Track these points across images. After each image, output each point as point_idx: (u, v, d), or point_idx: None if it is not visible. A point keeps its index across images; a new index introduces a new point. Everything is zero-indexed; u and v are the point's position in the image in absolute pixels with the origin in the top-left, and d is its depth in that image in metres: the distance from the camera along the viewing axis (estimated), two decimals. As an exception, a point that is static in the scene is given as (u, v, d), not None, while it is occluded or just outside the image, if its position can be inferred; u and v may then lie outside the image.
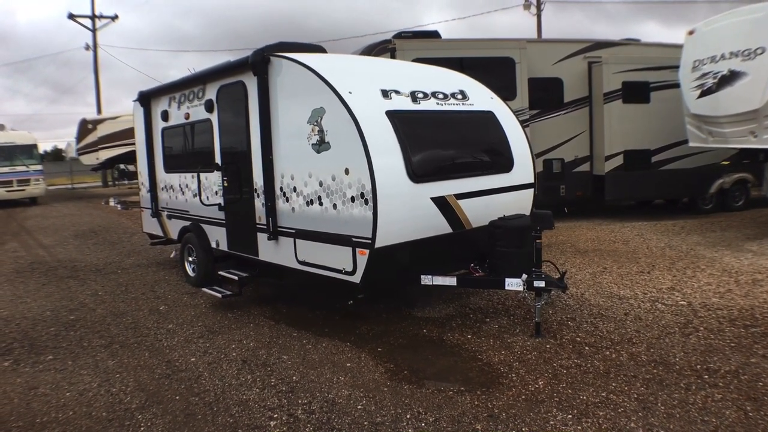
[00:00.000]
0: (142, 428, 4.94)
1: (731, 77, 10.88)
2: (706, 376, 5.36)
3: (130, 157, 28.17)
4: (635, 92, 14.39)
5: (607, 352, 6.03)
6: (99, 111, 39.82)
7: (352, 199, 6.34)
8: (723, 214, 14.82)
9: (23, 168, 28.82)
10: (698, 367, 5.58)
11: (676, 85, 12.84)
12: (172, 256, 11.51)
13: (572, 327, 6.86)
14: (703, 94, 11.62)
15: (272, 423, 4.90)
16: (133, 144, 12.01)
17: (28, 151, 29.46)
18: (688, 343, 6.21)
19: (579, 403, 4.97)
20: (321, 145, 6.68)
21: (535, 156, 8.45)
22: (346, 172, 6.38)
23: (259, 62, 7.43)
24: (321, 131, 6.66)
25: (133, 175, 39.87)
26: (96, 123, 30.51)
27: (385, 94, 6.94)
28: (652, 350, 6.04)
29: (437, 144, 7.19)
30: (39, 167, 29.74)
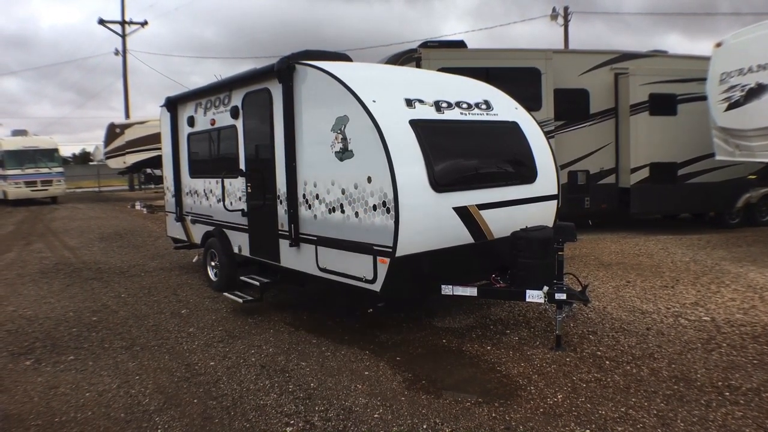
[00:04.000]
0: (159, 430, 4.98)
1: (759, 90, 10.76)
2: (727, 393, 5.29)
3: (157, 162, 28.52)
4: (662, 104, 14.26)
5: (628, 367, 5.98)
6: (127, 115, 40.28)
7: (374, 207, 6.35)
8: (749, 229, 14.63)
9: (46, 170, 31.22)
10: (719, 383, 5.50)
11: (704, 98, 12.71)
12: (194, 260, 11.60)
13: (593, 341, 6.80)
14: (730, 107, 11.50)
15: (289, 429, 4.91)
16: (160, 149, 12.14)
17: (49, 154, 31.91)
18: (710, 359, 6.13)
19: (598, 417, 4.92)
20: (344, 153, 6.70)
21: (560, 168, 8.42)
22: (369, 180, 6.39)
23: (285, 70, 7.48)
24: (344, 139, 6.68)
25: (160, 180, 40.26)
26: (124, 127, 31.01)
27: (409, 103, 6.95)
28: (673, 366, 5.97)
29: (460, 154, 7.18)
30: (60, 169, 32.24)
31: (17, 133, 33.54)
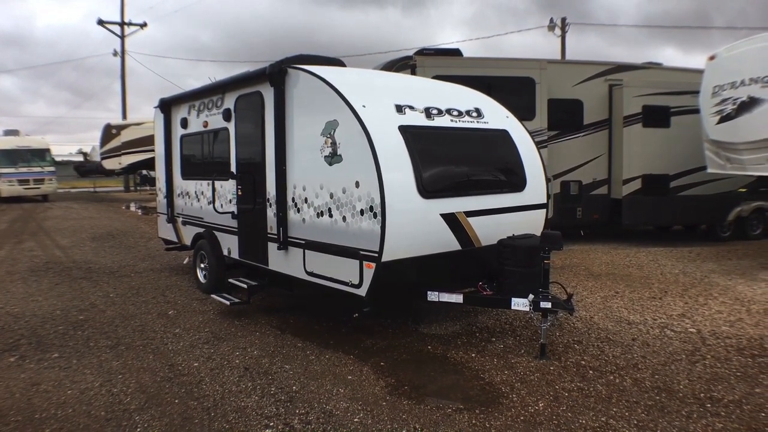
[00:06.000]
0: (138, 429, 4.98)
1: (750, 104, 10.81)
2: (709, 405, 5.30)
3: (153, 163, 28.59)
4: (655, 116, 14.32)
5: (611, 377, 5.98)
6: (124, 116, 40.27)
7: (362, 212, 6.36)
8: (740, 243, 14.66)
9: (39, 169, 32.51)
10: (702, 395, 5.52)
11: (697, 111, 12.75)
12: (185, 262, 11.59)
13: (578, 350, 6.81)
14: (722, 120, 11.55)
15: (268, 431, 4.91)
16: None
17: (41, 154, 33.16)
18: (693, 370, 6.14)
19: (577, 427, 4.92)
20: (333, 158, 6.71)
21: (553, 178, 8.45)
22: (357, 185, 6.40)
23: (277, 73, 7.50)
24: (334, 144, 6.70)
25: (155, 181, 40.30)
26: (120, 128, 31.09)
27: (399, 109, 6.97)
28: (656, 376, 5.98)
29: (449, 161, 7.20)
30: (51, 168, 33.46)
31: (9, 132, 34.90)
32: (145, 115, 39.71)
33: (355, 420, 5.08)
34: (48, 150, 33.90)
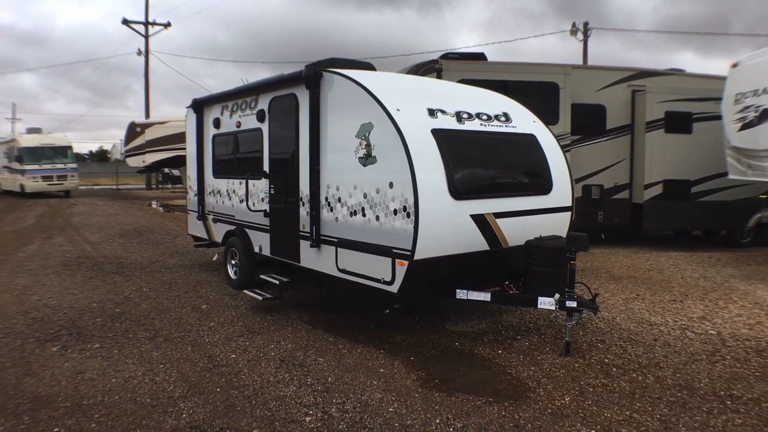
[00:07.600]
0: (184, 415, 5.23)
1: (773, 112, 10.93)
2: (729, 402, 5.49)
3: (176, 162, 29.03)
4: (678, 122, 14.41)
5: (634, 374, 6.18)
6: (147, 115, 40.74)
7: (395, 211, 6.59)
8: (760, 249, 14.72)
9: (61, 166, 33.61)
10: (722, 393, 5.70)
11: (719, 117, 12.85)
12: (214, 258, 11.86)
13: (601, 349, 7.00)
14: (744, 127, 11.66)
15: (308, 419, 5.15)
16: (180, 149, 12.43)
17: (63, 151, 34.27)
18: (714, 370, 6.32)
19: (603, 419, 5.13)
20: (367, 159, 6.95)
21: (575, 181, 8.61)
22: (390, 185, 6.63)
23: (312, 76, 7.74)
24: (368, 145, 6.93)
25: (177, 180, 40.83)
26: (144, 127, 31.51)
27: (432, 112, 7.20)
28: (678, 375, 6.17)
29: (479, 163, 7.42)
30: (74, 165, 34.59)
31: (32, 130, 35.94)
32: (164, 113, 40.49)
33: (390, 410, 5.32)
34: (70, 147, 34.83)
